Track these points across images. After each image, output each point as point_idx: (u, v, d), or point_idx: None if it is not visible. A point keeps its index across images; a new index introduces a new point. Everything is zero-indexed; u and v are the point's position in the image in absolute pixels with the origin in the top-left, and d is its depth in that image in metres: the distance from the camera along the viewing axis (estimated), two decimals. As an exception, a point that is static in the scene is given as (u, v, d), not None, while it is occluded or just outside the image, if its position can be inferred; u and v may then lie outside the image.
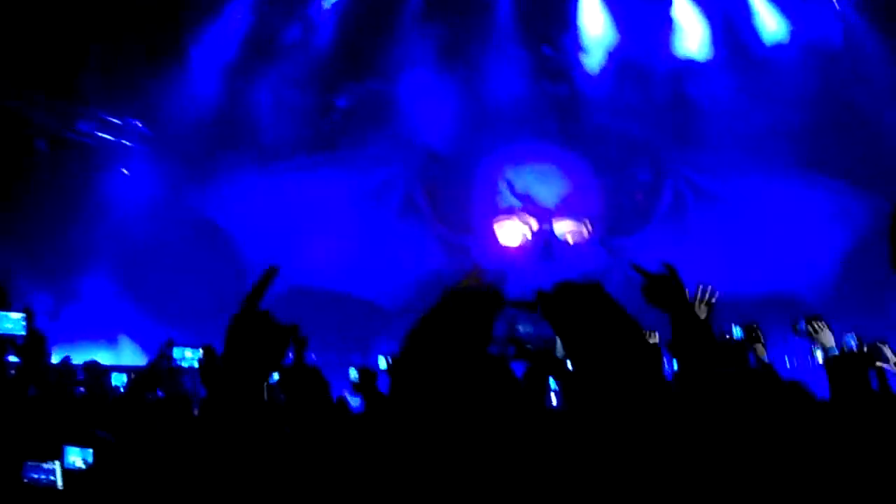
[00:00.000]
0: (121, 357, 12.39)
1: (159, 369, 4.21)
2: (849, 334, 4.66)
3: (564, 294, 2.01)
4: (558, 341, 2.37)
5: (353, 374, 5.80)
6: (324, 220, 13.61)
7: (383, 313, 12.61)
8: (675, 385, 2.00)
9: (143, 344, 12.39)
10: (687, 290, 2.24)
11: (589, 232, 13.32)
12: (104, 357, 12.12)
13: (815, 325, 4.38)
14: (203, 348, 4.09)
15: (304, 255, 13.59)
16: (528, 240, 13.34)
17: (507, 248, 13.39)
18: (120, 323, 12.77)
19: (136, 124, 13.70)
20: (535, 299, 2.12)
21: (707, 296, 3.20)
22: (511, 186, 13.29)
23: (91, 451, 4.35)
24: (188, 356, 4.82)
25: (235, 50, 13.27)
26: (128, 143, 13.73)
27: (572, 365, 2.05)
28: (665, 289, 2.18)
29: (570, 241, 13.31)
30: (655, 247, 13.33)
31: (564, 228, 13.31)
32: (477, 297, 2.12)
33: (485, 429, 1.72)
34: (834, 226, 12.70)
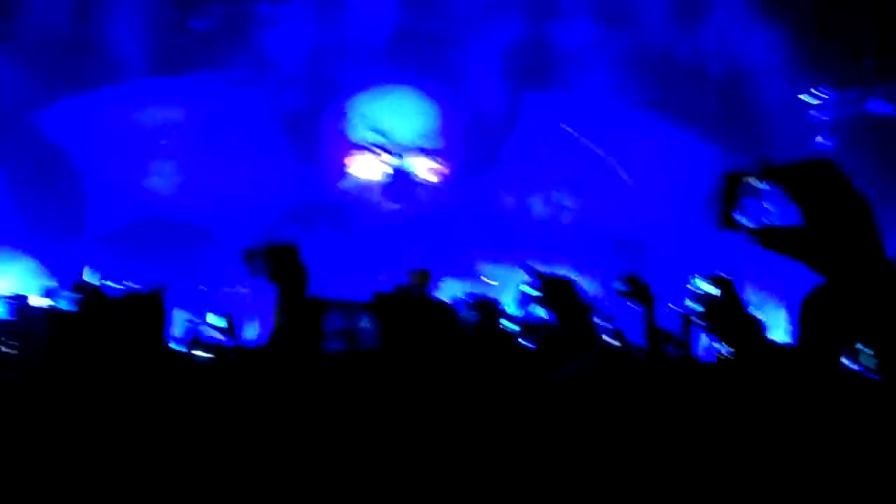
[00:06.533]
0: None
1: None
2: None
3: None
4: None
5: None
6: (177, 145, 13.20)
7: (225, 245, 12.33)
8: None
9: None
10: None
11: (444, 168, 13.23)
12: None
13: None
14: None
15: (154, 183, 13.24)
16: (381, 175, 13.18)
17: (358, 184, 13.23)
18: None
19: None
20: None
21: None
22: (365, 119, 13.02)
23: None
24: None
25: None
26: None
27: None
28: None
29: (425, 177, 13.21)
30: (511, 185, 13.35)
31: (419, 164, 13.17)
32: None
33: None
34: (689, 168, 12.85)
